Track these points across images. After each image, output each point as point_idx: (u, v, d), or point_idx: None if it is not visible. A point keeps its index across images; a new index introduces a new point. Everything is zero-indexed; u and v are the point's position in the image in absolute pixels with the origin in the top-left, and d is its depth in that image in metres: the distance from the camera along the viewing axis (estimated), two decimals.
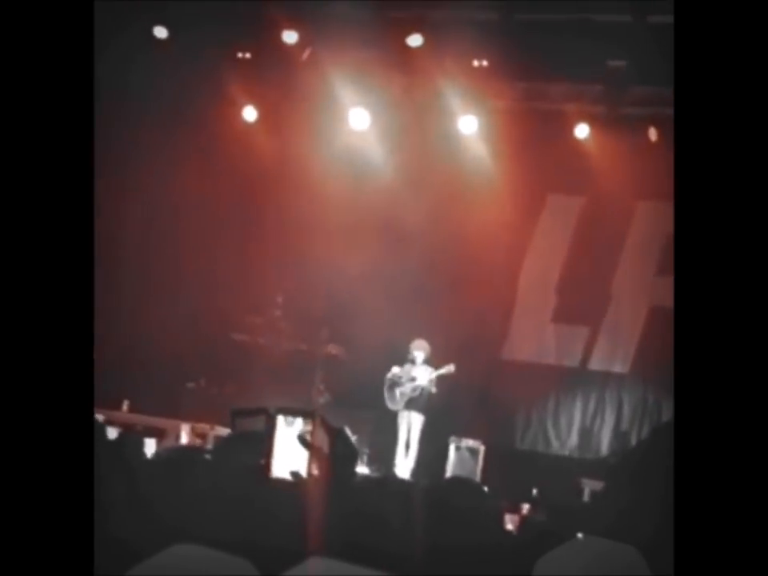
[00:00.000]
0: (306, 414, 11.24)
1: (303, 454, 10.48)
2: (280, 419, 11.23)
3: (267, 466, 9.78)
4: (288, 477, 10.06)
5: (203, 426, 13.97)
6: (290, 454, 10.66)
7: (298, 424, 10.84)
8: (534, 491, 12.72)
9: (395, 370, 14.73)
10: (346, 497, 6.56)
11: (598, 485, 12.11)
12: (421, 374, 14.63)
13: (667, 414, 14.80)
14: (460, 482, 10.94)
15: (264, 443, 10.13)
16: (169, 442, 13.34)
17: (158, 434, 13.45)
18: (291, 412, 10.99)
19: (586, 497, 12.75)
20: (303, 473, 10.08)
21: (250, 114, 16.11)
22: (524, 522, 10.82)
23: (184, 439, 13.67)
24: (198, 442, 13.53)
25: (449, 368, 14.49)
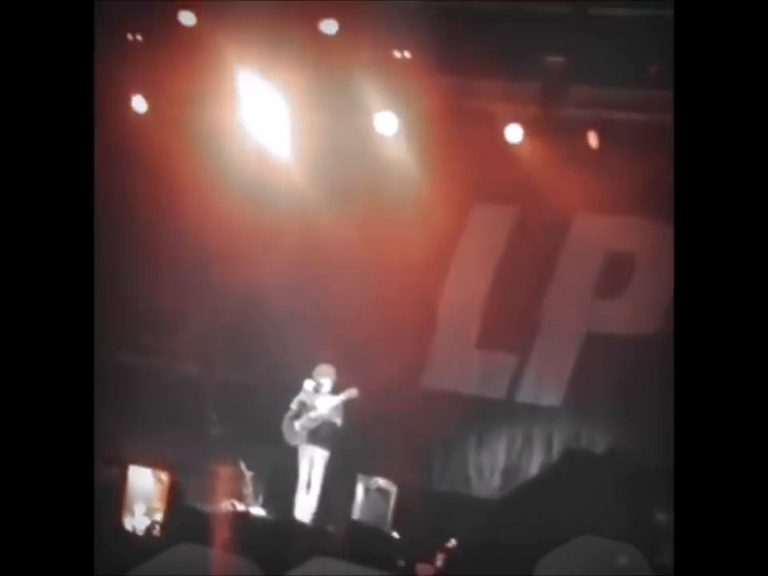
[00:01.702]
0: (161, 467, 11.93)
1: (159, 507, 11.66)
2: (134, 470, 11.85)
3: (119, 519, 10.52)
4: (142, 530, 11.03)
5: None
6: (144, 507, 11.94)
7: None
8: (453, 541, 12.20)
9: (299, 398, 14.49)
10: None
11: None
12: (323, 402, 14.39)
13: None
14: (367, 529, 11.81)
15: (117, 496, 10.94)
16: None
17: None
18: (146, 464, 11.56)
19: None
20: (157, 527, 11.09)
21: (140, 104, 15.70)
22: (439, 573, 10.84)
23: None
24: None
25: (350, 392, 14.24)
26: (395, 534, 13.30)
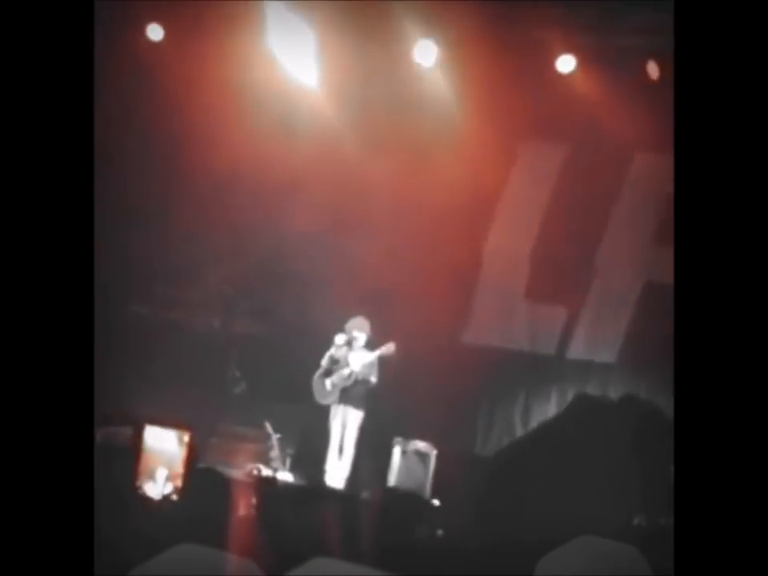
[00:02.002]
0: (184, 427, 11.82)
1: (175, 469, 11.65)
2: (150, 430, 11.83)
3: (134, 483, 10.51)
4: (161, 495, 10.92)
5: None
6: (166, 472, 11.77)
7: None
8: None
9: (329, 353, 14.21)
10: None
11: None
12: (356, 358, 14.08)
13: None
14: (404, 496, 11.48)
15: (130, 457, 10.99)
16: None
17: None
18: (166, 424, 11.45)
19: None
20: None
21: (155, 32, 15.31)
22: None
23: None
24: None
25: (388, 347, 13.94)
26: (435, 502, 12.97)
